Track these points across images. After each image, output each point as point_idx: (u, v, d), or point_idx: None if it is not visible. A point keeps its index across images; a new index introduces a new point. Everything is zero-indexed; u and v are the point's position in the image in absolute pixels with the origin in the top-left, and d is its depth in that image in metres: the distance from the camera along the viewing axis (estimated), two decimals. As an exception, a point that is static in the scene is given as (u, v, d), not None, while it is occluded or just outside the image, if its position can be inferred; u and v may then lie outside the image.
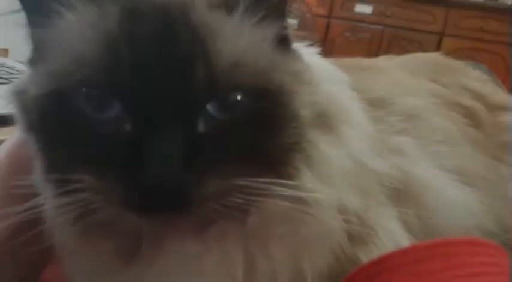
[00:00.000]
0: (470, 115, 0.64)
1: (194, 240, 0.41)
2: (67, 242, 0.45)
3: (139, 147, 0.35)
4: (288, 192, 0.39)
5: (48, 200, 0.41)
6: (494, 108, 0.68)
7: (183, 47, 0.37)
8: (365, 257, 0.44)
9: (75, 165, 0.38)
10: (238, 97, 0.38)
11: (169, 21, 0.38)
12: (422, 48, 3.27)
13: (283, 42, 0.43)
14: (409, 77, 0.66)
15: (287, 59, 0.43)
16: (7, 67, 1.27)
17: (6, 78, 1.13)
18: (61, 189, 0.39)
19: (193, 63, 0.37)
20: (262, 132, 0.39)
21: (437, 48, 3.32)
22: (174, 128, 0.36)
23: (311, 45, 0.52)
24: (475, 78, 0.75)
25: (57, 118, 0.39)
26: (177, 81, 0.36)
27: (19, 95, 0.42)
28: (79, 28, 0.38)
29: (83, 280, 0.47)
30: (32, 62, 0.43)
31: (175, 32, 0.37)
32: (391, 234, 0.46)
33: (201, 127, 0.37)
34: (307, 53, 0.49)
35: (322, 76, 0.47)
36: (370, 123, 0.51)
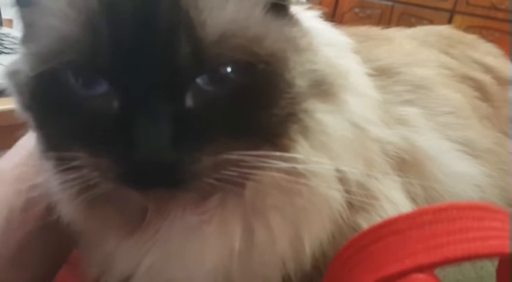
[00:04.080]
0: (480, 88, 0.63)
1: (194, 211, 0.41)
2: (74, 216, 0.45)
3: (128, 124, 0.35)
4: (284, 164, 0.38)
5: (50, 177, 0.42)
6: (505, 82, 0.68)
7: (164, 19, 0.35)
8: (367, 225, 0.44)
9: (71, 143, 0.38)
10: (228, 69, 0.36)
11: None
12: (432, 25, 3.20)
13: (277, 6, 0.40)
14: (419, 48, 0.65)
15: (282, 24, 0.40)
16: (11, 37, 1.27)
17: (10, 48, 1.14)
18: (60, 167, 0.39)
19: (176, 37, 0.34)
20: (255, 104, 0.38)
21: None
22: (161, 104, 0.35)
23: (311, 8, 0.49)
24: (487, 51, 0.74)
25: (48, 97, 0.38)
26: (160, 57, 0.35)
27: (13, 76, 0.42)
28: (61, 7, 0.37)
29: (95, 255, 0.47)
30: (23, 41, 0.42)
31: (155, 2, 0.35)
32: (395, 204, 0.46)
33: (190, 102, 0.36)
34: (307, 17, 0.46)
35: (323, 41, 0.45)
36: (375, 91, 0.50)
